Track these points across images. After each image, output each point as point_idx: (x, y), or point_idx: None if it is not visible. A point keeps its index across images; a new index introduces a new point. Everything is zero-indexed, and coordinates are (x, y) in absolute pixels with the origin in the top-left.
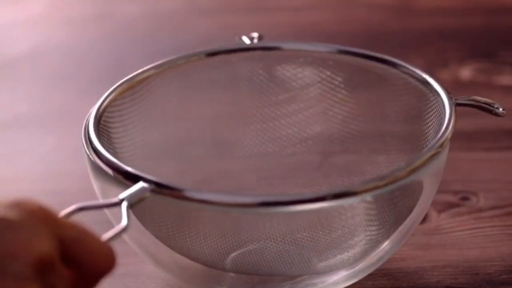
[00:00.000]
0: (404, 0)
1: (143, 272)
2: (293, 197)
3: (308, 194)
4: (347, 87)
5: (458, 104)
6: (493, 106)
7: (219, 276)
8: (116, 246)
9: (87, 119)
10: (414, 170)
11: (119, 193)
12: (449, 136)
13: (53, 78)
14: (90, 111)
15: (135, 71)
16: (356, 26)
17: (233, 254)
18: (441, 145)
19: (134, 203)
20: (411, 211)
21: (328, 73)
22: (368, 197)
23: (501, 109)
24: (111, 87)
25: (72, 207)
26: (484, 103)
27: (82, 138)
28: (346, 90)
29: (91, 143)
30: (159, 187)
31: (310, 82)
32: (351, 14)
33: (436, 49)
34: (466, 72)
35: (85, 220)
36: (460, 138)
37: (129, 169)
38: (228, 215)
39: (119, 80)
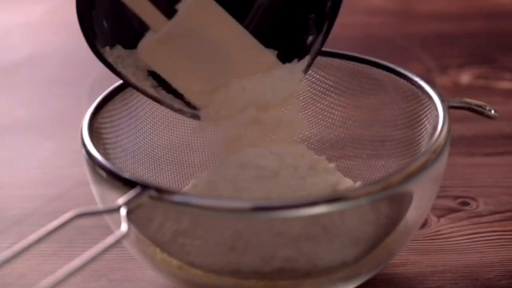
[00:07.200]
0: (404, 5)
1: (142, 278)
2: (287, 202)
3: (302, 199)
4: (346, 91)
5: (451, 107)
6: (485, 108)
7: (218, 281)
8: (115, 252)
9: (81, 126)
10: (408, 176)
11: (118, 199)
12: (443, 140)
13: (52, 84)
14: (84, 118)
15: None
16: (356, 31)
17: (231, 257)
18: (435, 150)
19: (133, 209)
20: (405, 215)
21: (325, 77)
22: (361, 202)
23: (492, 111)
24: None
25: (71, 213)
26: (476, 105)
27: (80, 144)
28: (346, 95)
29: (88, 149)
30: (157, 193)
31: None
32: (352, 19)
33: (436, 54)
34: (465, 77)
35: (84, 225)
36: (460, 143)
37: (127, 175)
38: (226, 219)
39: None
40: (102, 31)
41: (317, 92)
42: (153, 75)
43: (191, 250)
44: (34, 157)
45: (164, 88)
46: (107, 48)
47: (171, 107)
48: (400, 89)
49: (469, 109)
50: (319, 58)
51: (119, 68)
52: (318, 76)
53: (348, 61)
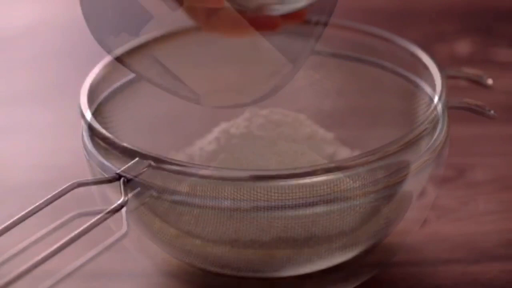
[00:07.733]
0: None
1: (143, 278)
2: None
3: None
4: (346, 91)
5: (450, 107)
6: (484, 109)
7: (219, 279)
8: (116, 251)
9: (82, 126)
10: (408, 176)
11: (119, 198)
12: (443, 140)
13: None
14: (84, 117)
15: None
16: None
17: (231, 256)
18: (434, 150)
19: (134, 208)
20: (404, 215)
21: (325, 77)
22: (360, 202)
23: (492, 112)
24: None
25: (71, 213)
26: (476, 105)
27: (81, 144)
28: (346, 95)
29: (89, 149)
30: (158, 192)
31: (302, 84)
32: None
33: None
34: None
35: (84, 224)
36: (460, 143)
37: (128, 175)
38: (228, 219)
39: None
40: (105, 20)
41: (317, 92)
42: (159, 62)
43: (191, 250)
44: (32, 155)
45: (170, 75)
46: (112, 37)
47: (176, 94)
48: (400, 89)
49: (469, 109)
50: (319, 58)
51: (124, 56)
52: (318, 76)
53: (348, 61)
